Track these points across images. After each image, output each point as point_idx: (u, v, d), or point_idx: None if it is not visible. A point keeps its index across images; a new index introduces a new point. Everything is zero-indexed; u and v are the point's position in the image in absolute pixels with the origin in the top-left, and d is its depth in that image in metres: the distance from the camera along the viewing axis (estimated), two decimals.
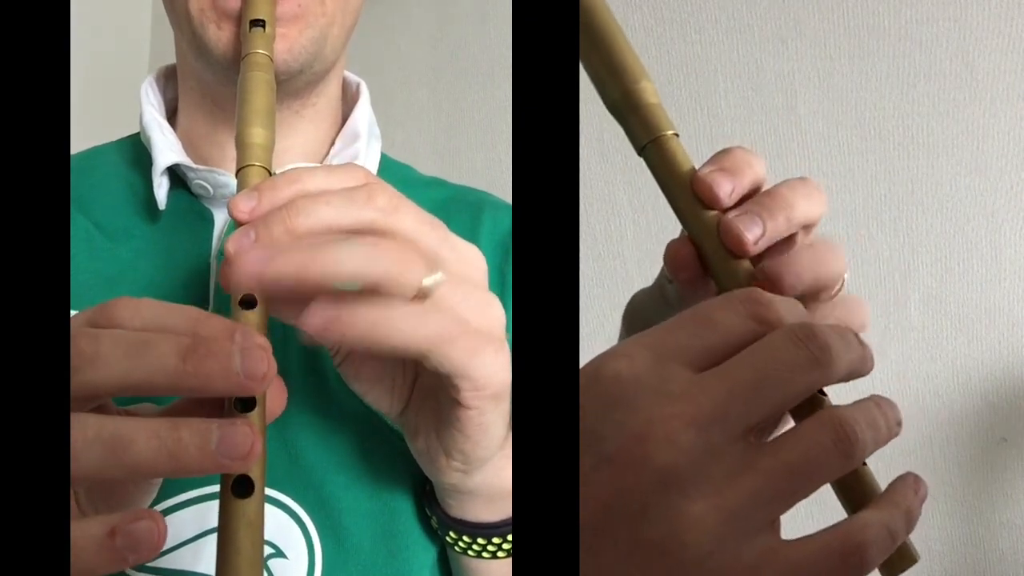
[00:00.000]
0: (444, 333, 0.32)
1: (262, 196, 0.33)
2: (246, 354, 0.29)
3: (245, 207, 0.33)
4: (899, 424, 0.29)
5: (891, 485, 0.28)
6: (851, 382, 0.29)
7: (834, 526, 0.26)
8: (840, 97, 1.02)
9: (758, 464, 0.25)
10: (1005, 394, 0.95)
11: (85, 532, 0.27)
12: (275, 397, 0.33)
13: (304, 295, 0.33)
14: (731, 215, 0.34)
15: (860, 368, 0.29)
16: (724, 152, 0.36)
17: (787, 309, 0.29)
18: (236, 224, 0.34)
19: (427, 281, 0.32)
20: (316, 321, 0.30)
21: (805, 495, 0.25)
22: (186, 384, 0.29)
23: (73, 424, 0.28)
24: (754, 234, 0.34)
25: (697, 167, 0.36)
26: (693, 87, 1.08)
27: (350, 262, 0.31)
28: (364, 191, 0.33)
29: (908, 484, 0.28)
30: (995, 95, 0.96)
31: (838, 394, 0.30)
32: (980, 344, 0.96)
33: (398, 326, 0.31)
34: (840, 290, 0.37)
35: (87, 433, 0.28)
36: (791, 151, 1.04)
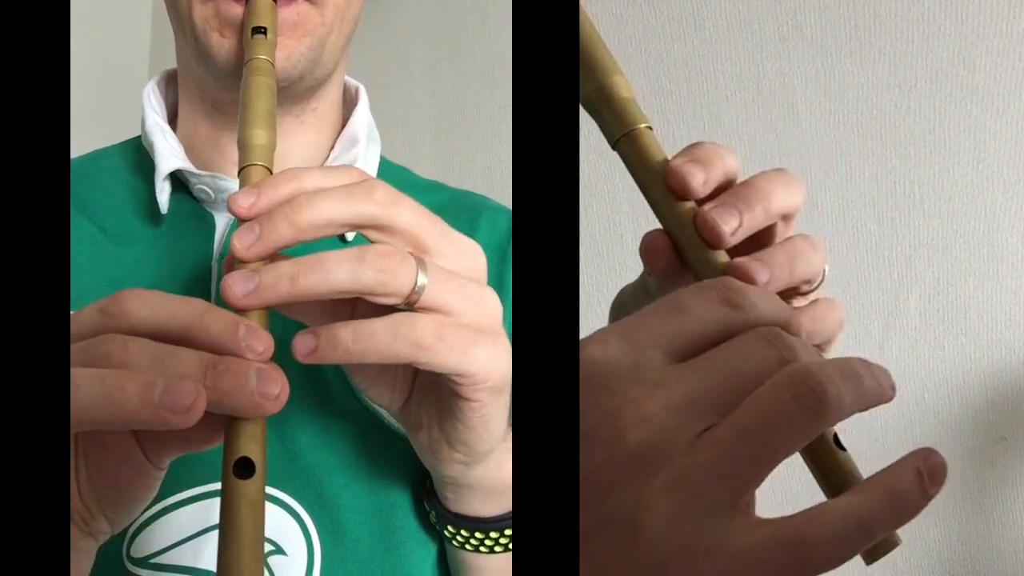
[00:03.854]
0: (425, 339, 0.32)
1: (261, 192, 0.34)
2: (261, 375, 0.30)
3: (244, 203, 0.34)
4: (893, 388, 0.27)
5: (893, 463, 0.26)
6: None
7: (796, 514, 0.24)
8: (840, 97, 1.02)
9: (715, 437, 0.24)
10: (1005, 393, 0.95)
11: (126, 383, 0.28)
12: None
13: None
14: (707, 207, 0.34)
15: None
16: (695, 145, 0.36)
17: (759, 295, 0.29)
18: (237, 220, 0.34)
19: (420, 282, 0.33)
20: (299, 351, 0.32)
21: (768, 464, 0.24)
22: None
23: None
24: (731, 226, 0.34)
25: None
26: (693, 86, 1.08)
27: (338, 275, 0.32)
28: (363, 186, 0.34)
29: (906, 465, 0.26)
30: (995, 95, 0.96)
31: None
32: (980, 343, 0.96)
33: (375, 341, 0.32)
34: (822, 283, 0.37)
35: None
36: (791, 151, 1.04)
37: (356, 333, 0.32)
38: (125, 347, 0.30)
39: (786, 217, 0.36)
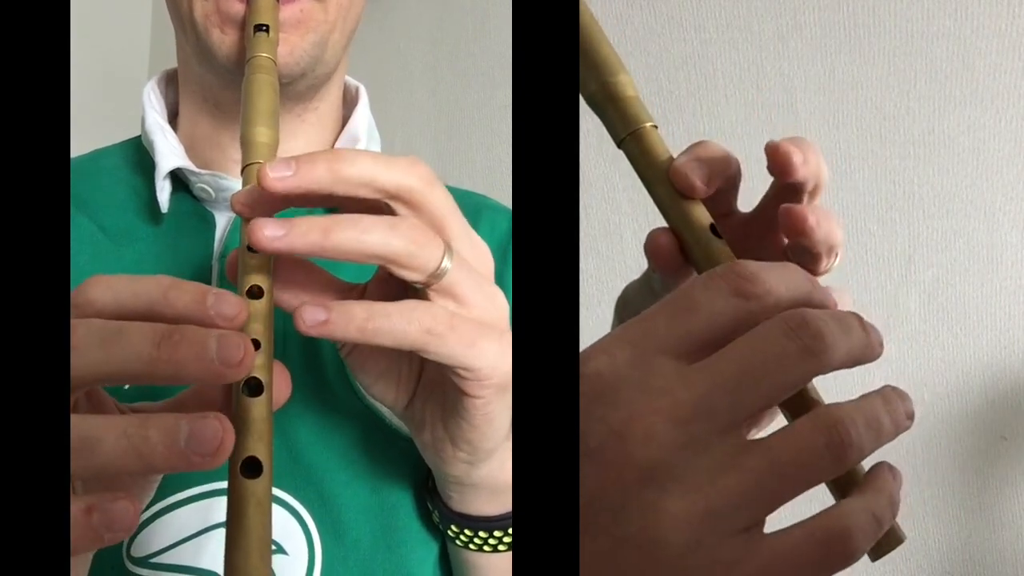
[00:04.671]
0: (437, 325, 0.32)
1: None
2: (222, 340, 0.28)
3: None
4: (910, 418, 0.28)
5: (869, 473, 0.27)
6: (849, 386, 0.29)
7: (816, 515, 0.25)
8: (840, 97, 1.02)
9: (744, 463, 0.24)
10: (1004, 392, 0.95)
11: (149, 431, 0.27)
12: (280, 384, 0.33)
13: (313, 283, 0.34)
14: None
15: (863, 354, 0.27)
16: (698, 144, 0.36)
17: (774, 277, 0.27)
18: (240, 219, 0.34)
19: (444, 263, 0.32)
20: (308, 319, 0.31)
21: (792, 497, 0.25)
22: (160, 372, 0.28)
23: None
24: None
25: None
26: (693, 86, 1.08)
27: (371, 236, 0.31)
28: (408, 158, 0.33)
29: (885, 471, 0.27)
30: (995, 94, 0.96)
31: (843, 387, 0.30)
32: (979, 342, 0.96)
33: (389, 322, 0.32)
34: (835, 261, 0.37)
35: None
36: None
37: (371, 311, 0.31)
38: (72, 333, 0.28)
39: (813, 192, 0.36)
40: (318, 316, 0.31)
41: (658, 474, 0.24)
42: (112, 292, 0.30)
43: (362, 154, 0.32)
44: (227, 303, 0.30)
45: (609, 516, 0.24)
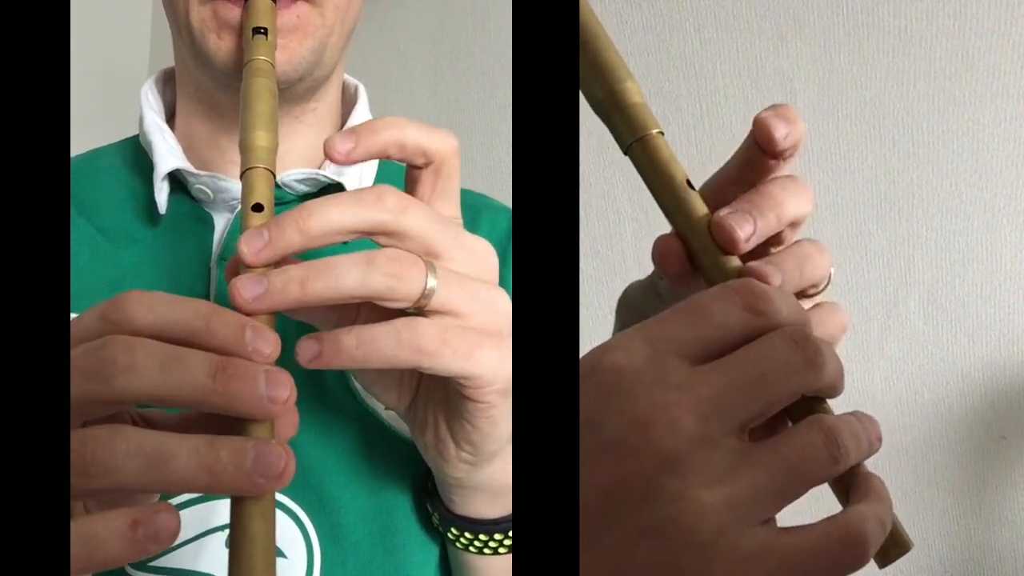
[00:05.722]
0: (427, 343, 0.32)
1: (360, 138, 0.35)
2: (270, 378, 0.30)
3: (343, 148, 0.34)
4: (879, 440, 0.30)
5: (865, 481, 0.29)
6: (850, 385, 0.30)
7: (832, 517, 0.26)
8: (840, 96, 1.02)
9: (756, 459, 0.26)
10: (1004, 392, 0.95)
11: (108, 524, 0.28)
12: (288, 420, 0.33)
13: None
14: (722, 212, 0.35)
15: (838, 383, 0.29)
16: (780, 105, 0.37)
17: (782, 300, 0.29)
18: (241, 220, 0.34)
19: (429, 286, 0.32)
20: (302, 357, 0.32)
21: (801, 493, 0.26)
22: (212, 401, 0.29)
23: (115, 435, 0.28)
24: (745, 232, 0.34)
25: (684, 165, 0.36)
26: (693, 85, 1.08)
27: (348, 281, 0.32)
28: (373, 192, 0.34)
29: (876, 480, 0.29)
30: (995, 93, 0.96)
31: (846, 385, 0.30)
32: (979, 342, 0.96)
33: (377, 347, 0.32)
34: (827, 287, 0.38)
35: (129, 446, 0.28)
36: None
37: (359, 339, 0.32)
38: (131, 351, 0.29)
39: (794, 223, 0.36)
40: (312, 350, 0.32)
41: (678, 464, 0.25)
42: (153, 313, 0.31)
43: (329, 201, 0.33)
44: (263, 340, 0.31)
45: (631, 505, 0.24)
